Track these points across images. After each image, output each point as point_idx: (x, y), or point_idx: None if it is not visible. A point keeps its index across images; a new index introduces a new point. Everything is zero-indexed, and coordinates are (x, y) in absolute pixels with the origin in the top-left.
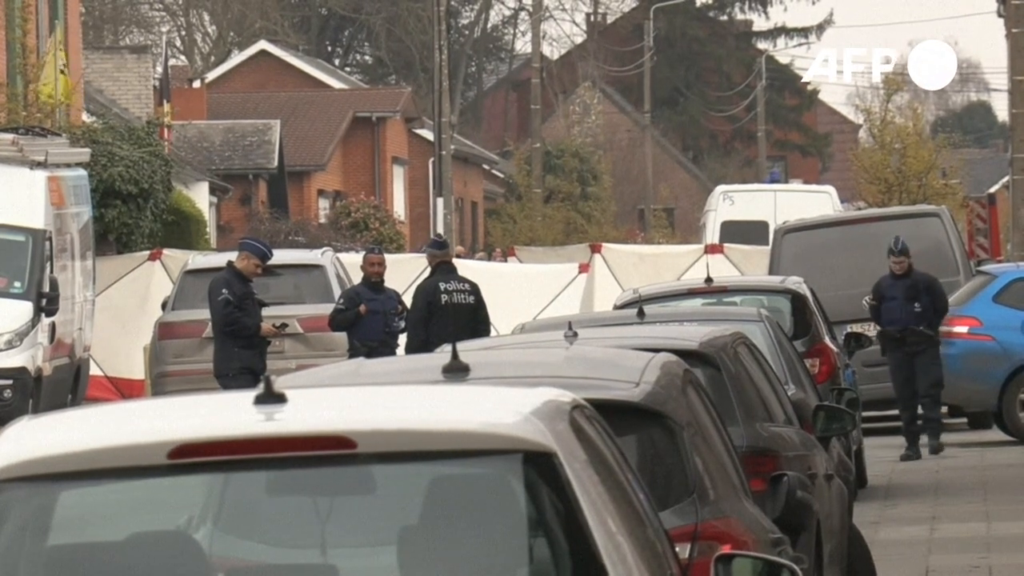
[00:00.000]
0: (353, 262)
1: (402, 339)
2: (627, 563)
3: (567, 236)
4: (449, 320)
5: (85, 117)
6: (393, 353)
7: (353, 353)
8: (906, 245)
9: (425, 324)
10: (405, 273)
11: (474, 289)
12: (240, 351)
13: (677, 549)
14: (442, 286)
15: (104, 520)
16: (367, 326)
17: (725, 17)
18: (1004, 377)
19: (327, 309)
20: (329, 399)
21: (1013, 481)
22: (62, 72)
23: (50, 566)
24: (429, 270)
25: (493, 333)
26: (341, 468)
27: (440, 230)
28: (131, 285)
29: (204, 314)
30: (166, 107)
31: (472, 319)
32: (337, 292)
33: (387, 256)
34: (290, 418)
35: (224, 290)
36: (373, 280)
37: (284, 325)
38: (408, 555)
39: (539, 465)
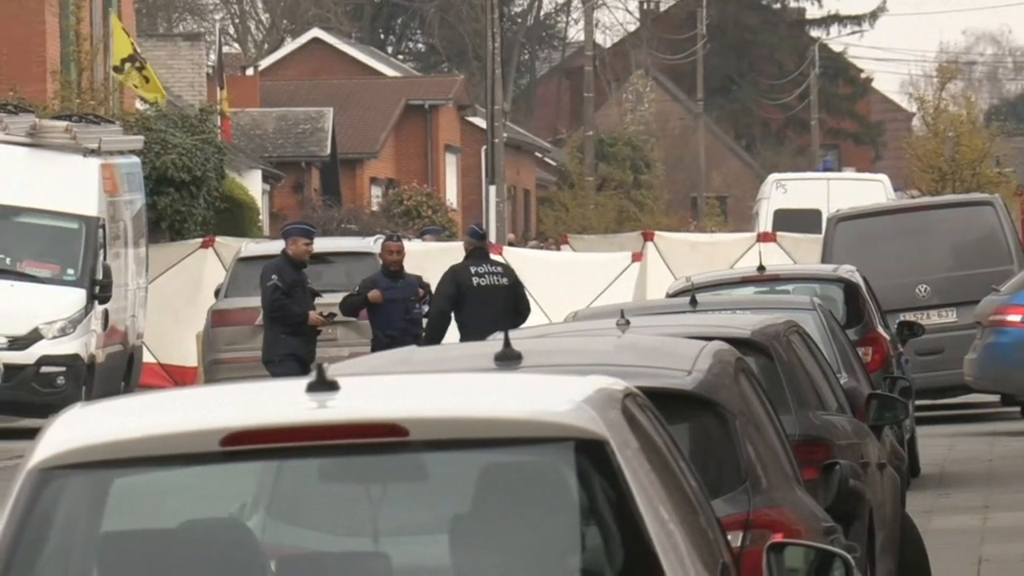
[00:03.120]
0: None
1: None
2: (679, 551)
3: (619, 224)
4: (483, 303)
5: (139, 104)
6: (415, 341)
7: (376, 344)
8: None
9: (452, 301)
10: (456, 260)
11: (507, 271)
12: (287, 337)
13: (729, 537)
14: (472, 269)
15: (157, 507)
16: (387, 315)
17: (778, 5)
18: None
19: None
20: (381, 387)
21: None
22: (139, 66)
23: (103, 553)
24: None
25: (545, 321)
26: (393, 456)
27: (492, 218)
28: (184, 273)
29: (257, 302)
30: (222, 94)
31: (510, 300)
32: None
33: (440, 244)
34: (342, 406)
35: (274, 276)
36: (392, 268)
37: (332, 315)
38: (460, 543)
39: (591, 453)
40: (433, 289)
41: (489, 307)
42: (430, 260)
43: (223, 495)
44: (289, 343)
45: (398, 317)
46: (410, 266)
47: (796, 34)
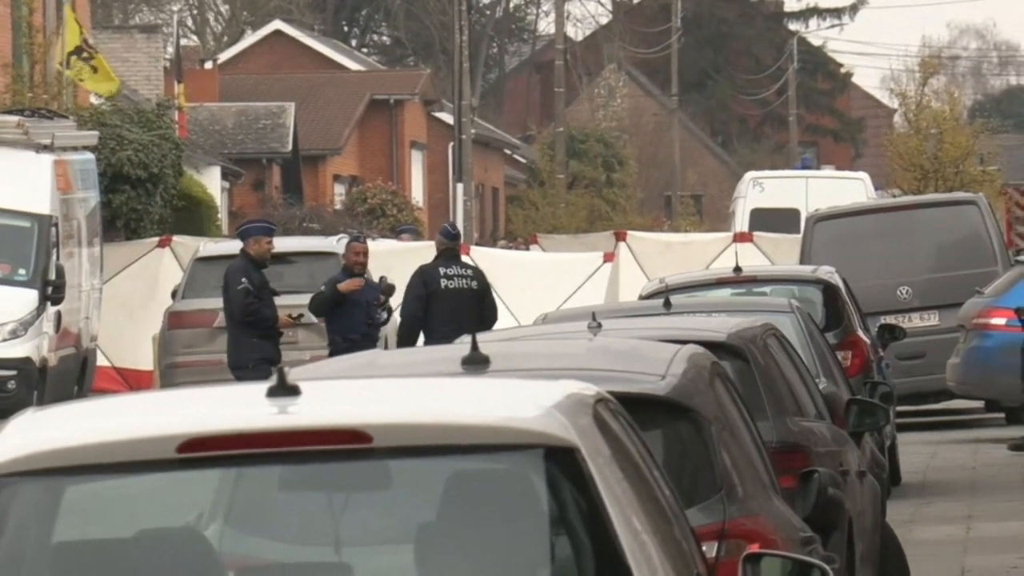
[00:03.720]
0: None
1: (385, 331)
2: (652, 562)
3: (591, 224)
4: (450, 306)
5: (93, 99)
6: (375, 346)
7: (334, 348)
8: None
9: (423, 302)
10: (423, 261)
11: (477, 274)
12: (259, 342)
13: (704, 548)
14: (442, 271)
15: (111, 516)
16: (348, 318)
17: None
18: None
19: None
20: (344, 392)
21: None
22: (86, 56)
23: (55, 563)
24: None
25: (513, 324)
26: (356, 463)
27: (460, 217)
28: (140, 273)
29: (215, 303)
30: (179, 88)
31: (477, 304)
32: None
33: (408, 244)
34: (304, 411)
35: (244, 279)
36: (356, 270)
37: (300, 315)
38: (425, 553)
39: (561, 460)
40: (398, 290)
41: (455, 311)
42: (397, 260)
43: (180, 503)
44: (262, 347)
45: (359, 321)
46: (376, 266)
47: (774, 27)
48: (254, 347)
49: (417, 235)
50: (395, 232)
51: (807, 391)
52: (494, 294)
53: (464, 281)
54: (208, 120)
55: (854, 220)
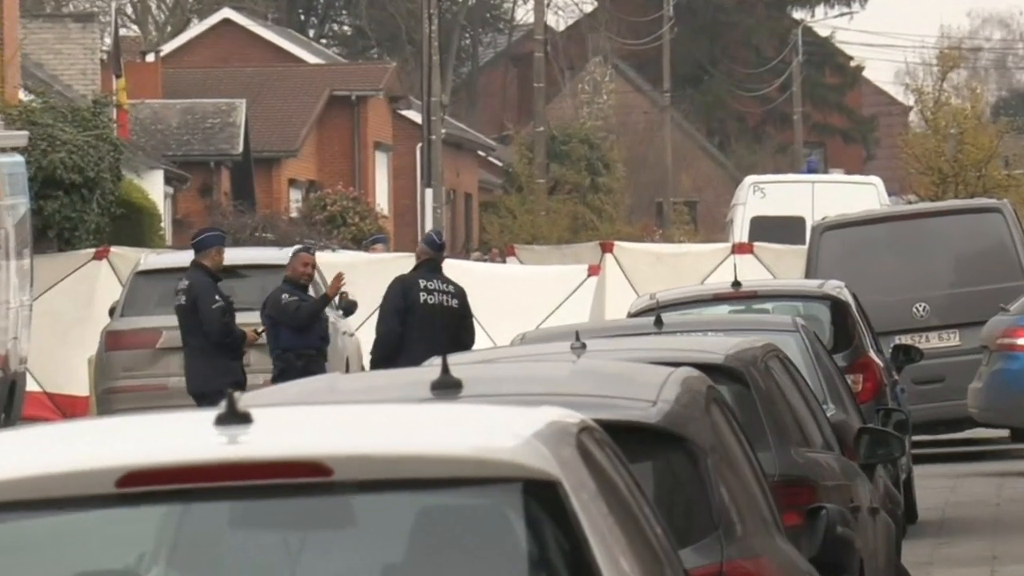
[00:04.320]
0: (328, 262)
1: (345, 352)
2: None
3: (574, 233)
4: (426, 323)
5: (22, 95)
6: (326, 363)
7: (287, 367)
8: None
9: (402, 316)
10: (390, 275)
11: (459, 293)
12: (231, 363)
13: None
14: (422, 283)
15: (43, 557)
16: (304, 333)
17: None
18: None
19: None
20: (301, 420)
21: None
22: None
23: None
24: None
25: (488, 344)
26: (315, 498)
27: (428, 226)
28: (74, 288)
29: (157, 321)
30: (119, 83)
31: (456, 325)
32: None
33: (373, 255)
34: (256, 441)
35: (217, 296)
36: (302, 282)
37: (264, 330)
38: None
39: (541, 495)
40: (372, 304)
41: (430, 330)
42: (361, 274)
43: (119, 543)
44: (235, 370)
45: (314, 336)
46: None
47: (776, 16)
48: (227, 370)
49: (387, 245)
50: (365, 243)
51: (813, 419)
52: (473, 320)
53: (444, 298)
54: (150, 118)
55: (865, 229)
